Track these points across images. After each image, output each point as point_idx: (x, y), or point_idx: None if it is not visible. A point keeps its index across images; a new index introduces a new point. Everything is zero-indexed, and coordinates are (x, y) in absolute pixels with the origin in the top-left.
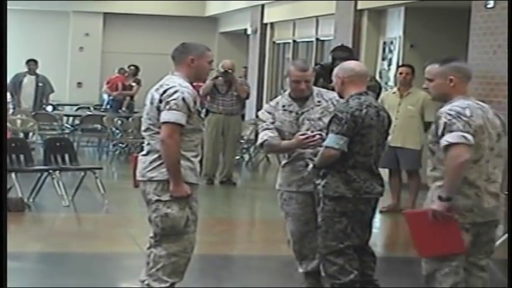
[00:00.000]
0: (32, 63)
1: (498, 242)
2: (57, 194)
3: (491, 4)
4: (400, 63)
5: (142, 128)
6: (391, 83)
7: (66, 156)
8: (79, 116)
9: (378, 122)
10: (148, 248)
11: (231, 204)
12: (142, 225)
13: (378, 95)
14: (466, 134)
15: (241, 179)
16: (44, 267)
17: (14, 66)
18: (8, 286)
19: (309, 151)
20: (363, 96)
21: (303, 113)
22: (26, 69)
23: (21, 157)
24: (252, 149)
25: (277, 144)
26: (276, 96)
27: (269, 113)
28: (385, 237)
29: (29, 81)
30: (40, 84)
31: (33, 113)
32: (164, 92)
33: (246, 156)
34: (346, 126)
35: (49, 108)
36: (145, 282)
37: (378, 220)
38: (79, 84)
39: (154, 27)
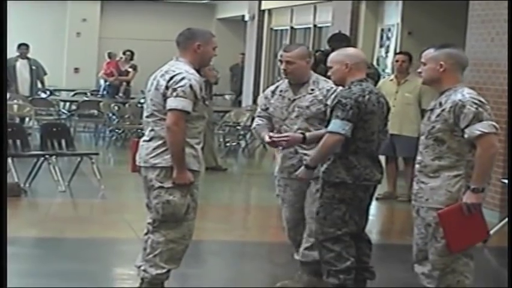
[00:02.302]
0: (23, 47)
1: (493, 230)
2: (53, 179)
3: None
4: (398, 51)
5: (146, 113)
6: (388, 70)
7: (63, 142)
8: (76, 101)
9: (378, 108)
10: (146, 233)
11: (227, 190)
12: (138, 210)
13: (376, 82)
14: (494, 123)
15: (238, 166)
16: (40, 252)
17: (10, 50)
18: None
19: None
20: (364, 83)
21: (295, 99)
22: (17, 54)
23: (18, 142)
24: (248, 136)
25: (258, 133)
26: (273, 83)
27: (265, 98)
28: (381, 225)
29: (22, 66)
30: (33, 67)
31: (29, 98)
32: (171, 78)
33: (243, 143)
34: (351, 112)
35: (45, 94)
36: (142, 267)
37: (374, 207)
38: (76, 69)
39: (151, 13)
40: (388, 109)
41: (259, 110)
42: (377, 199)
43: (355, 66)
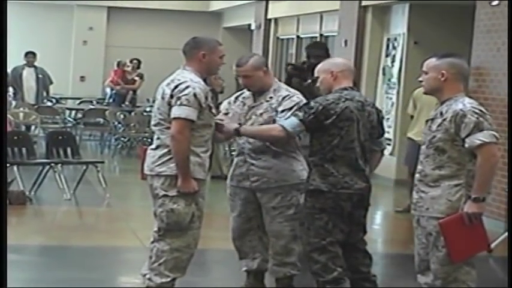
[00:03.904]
0: (30, 55)
1: (498, 240)
2: (59, 187)
3: (495, 2)
4: (404, 60)
5: (153, 122)
6: (394, 79)
7: (68, 150)
8: (81, 109)
9: (361, 116)
10: (152, 242)
11: None
12: (144, 219)
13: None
14: (494, 132)
15: None
16: (45, 260)
17: (17, 58)
18: (8, 280)
19: (247, 146)
20: (346, 91)
21: (253, 107)
22: (24, 62)
23: (23, 150)
24: None
25: None
26: None
27: (228, 103)
28: (385, 234)
29: (28, 74)
30: (40, 76)
31: (35, 106)
32: (176, 87)
33: None
34: (312, 117)
35: (51, 102)
36: (147, 276)
37: (378, 217)
38: (82, 78)
39: (158, 21)
40: (380, 118)
41: (220, 114)
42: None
43: (340, 74)
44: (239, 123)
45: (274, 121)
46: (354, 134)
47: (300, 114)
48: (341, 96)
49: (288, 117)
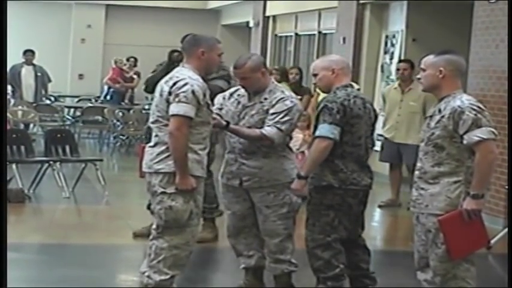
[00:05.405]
0: (29, 53)
1: (497, 237)
2: (58, 185)
3: None
4: (403, 57)
5: (151, 119)
6: (392, 76)
7: (67, 148)
8: (80, 107)
9: (365, 113)
10: (151, 239)
11: None
12: (142, 217)
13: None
14: (492, 129)
15: None
16: (44, 258)
17: (16, 56)
18: (7, 280)
19: (238, 146)
20: (349, 88)
21: (247, 107)
22: (23, 60)
23: (22, 148)
24: None
25: None
26: None
27: (223, 98)
28: (385, 231)
29: (27, 72)
30: (39, 74)
31: (34, 104)
32: (174, 84)
33: None
34: (339, 116)
35: (49, 100)
36: (146, 273)
37: (377, 214)
38: (80, 76)
39: (156, 19)
40: (376, 115)
41: (214, 108)
42: (380, 206)
43: (341, 72)
44: (227, 121)
45: (263, 123)
46: (361, 131)
47: (327, 118)
48: (349, 94)
49: (318, 127)
